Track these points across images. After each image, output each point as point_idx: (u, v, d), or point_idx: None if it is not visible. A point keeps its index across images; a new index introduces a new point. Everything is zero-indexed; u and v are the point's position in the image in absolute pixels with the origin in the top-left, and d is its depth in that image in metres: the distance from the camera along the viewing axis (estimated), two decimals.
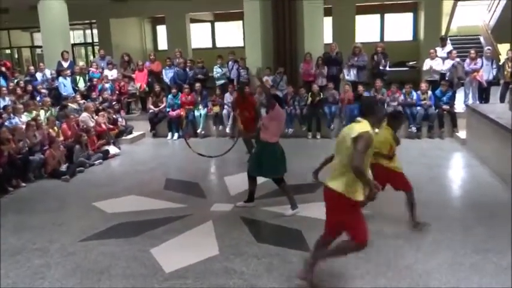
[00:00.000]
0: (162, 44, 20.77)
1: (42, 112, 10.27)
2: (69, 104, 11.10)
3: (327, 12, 14.48)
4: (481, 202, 6.46)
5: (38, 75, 12.56)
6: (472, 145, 9.33)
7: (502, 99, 10.94)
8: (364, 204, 4.59)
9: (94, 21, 19.97)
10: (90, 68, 13.51)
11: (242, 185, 6.97)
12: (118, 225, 6.04)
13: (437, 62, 11.56)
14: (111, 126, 10.80)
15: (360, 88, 11.07)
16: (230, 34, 21.12)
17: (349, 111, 10.75)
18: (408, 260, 4.73)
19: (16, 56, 22.21)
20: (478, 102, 11.21)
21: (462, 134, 10.13)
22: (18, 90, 11.28)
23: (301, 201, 6.26)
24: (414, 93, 10.88)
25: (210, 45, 21.14)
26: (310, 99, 11.11)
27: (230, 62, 12.66)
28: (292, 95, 11.35)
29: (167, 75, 12.80)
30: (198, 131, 11.69)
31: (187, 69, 12.77)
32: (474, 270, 4.51)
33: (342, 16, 16.71)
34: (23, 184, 8.05)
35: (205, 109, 11.80)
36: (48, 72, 12.67)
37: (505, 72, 11.17)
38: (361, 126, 3.74)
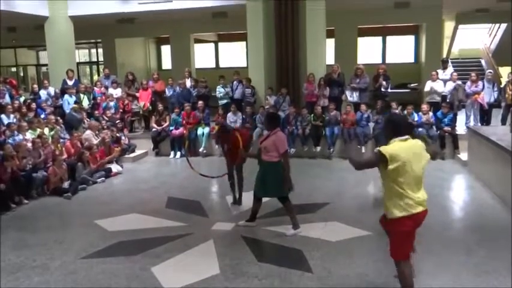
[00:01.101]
0: (166, 64, 20.98)
1: (46, 130, 10.34)
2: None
3: (330, 34, 14.64)
4: (482, 224, 6.45)
5: (42, 93, 12.68)
6: (474, 167, 9.34)
7: (503, 122, 10.99)
8: None
9: (99, 40, 20.22)
10: (94, 87, 13.65)
11: (245, 204, 7.00)
12: (119, 243, 6.05)
13: (439, 84, 11.65)
14: (115, 146, 10.85)
15: (363, 107, 11.15)
16: (233, 54, 21.35)
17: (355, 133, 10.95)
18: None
19: (22, 74, 22.44)
20: (479, 124, 11.26)
21: (464, 155, 10.15)
22: (24, 109, 11.36)
23: (303, 221, 6.27)
24: (415, 115, 10.94)
25: (213, 65, 21.34)
26: (312, 120, 11.19)
27: (235, 82, 12.79)
28: (294, 115, 11.42)
29: (170, 94, 12.93)
30: (200, 149, 11.74)
31: (191, 89, 12.91)
32: None
33: (344, 38, 16.89)
34: (26, 201, 8.07)
35: (208, 128, 11.87)
36: (52, 90, 12.78)
37: (506, 95, 11.24)
38: (388, 145, 3.92)
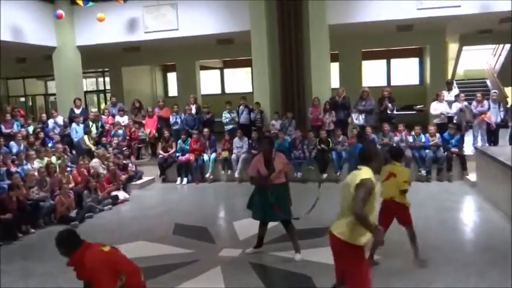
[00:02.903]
0: (173, 91, 21.18)
1: (53, 158, 10.41)
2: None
3: (334, 58, 14.77)
4: (493, 245, 6.35)
5: (50, 122, 12.81)
6: (482, 188, 9.25)
7: (511, 142, 10.91)
8: (374, 250, 4.56)
9: (107, 69, 20.49)
10: (102, 115, 13.78)
11: (251, 229, 6.93)
12: None
13: (444, 105, 11.65)
14: (122, 173, 10.90)
15: (368, 130, 11.14)
16: (239, 80, 21.52)
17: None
18: None
19: (30, 103, 22.71)
20: (487, 144, 11.19)
21: (472, 176, 10.06)
22: (31, 138, 11.46)
23: (310, 246, 6.21)
24: (423, 136, 10.90)
25: (219, 91, 21.51)
26: (318, 146, 11.18)
27: (241, 107, 12.86)
28: (300, 139, 11.42)
29: (174, 121, 13.02)
30: (207, 175, 11.73)
31: (196, 115, 13.01)
32: None
33: (349, 61, 17.01)
34: (33, 230, 8.07)
35: (214, 154, 11.89)
36: (60, 119, 12.91)
37: None
38: (363, 173, 3.78)
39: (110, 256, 3.43)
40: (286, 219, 6.12)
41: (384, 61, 19.45)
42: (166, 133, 12.35)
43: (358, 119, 11.91)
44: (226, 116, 12.85)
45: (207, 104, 13.60)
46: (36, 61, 16.89)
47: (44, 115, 13.70)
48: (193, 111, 13.16)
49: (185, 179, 11.70)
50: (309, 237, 6.50)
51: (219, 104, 14.20)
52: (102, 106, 20.21)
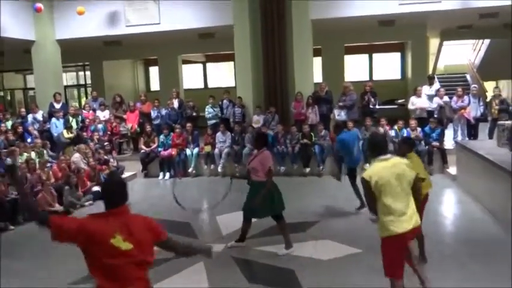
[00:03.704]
0: (155, 85, 20.99)
1: (33, 154, 10.23)
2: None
3: (317, 53, 14.78)
4: (473, 238, 6.45)
5: (29, 117, 12.59)
6: (463, 181, 9.38)
7: (490, 136, 11.08)
8: None
9: (87, 63, 20.20)
10: (82, 110, 13.59)
11: (234, 224, 6.93)
12: None
13: (423, 100, 11.76)
14: (104, 167, 10.78)
15: (350, 124, 11.18)
16: (221, 75, 21.43)
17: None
18: None
19: (9, 97, 22.29)
20: (467, 138, 11.35)
21: (452, 170, 10.20)
22: (9, 133, 11.22)
23: (293, 240, 6.21)
24: (405, 130, 11.00)
25: (201, 86, 21.39)
26: (300, 140, 11.20)
27: (225, 101, 12.81)
28: (282, 134, 11.43)
29: (155, 116, 12.91)
30: (190, 170, 11.68)
31: (178, 110, 12.92)
32: None
33: (331, 56, 17.05)
34: (12, 227, 7.93)
35: (197, 148, 11.83)
36: (40, 114, 12.70)
37: (492, 110, 11.36)
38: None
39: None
40: (261, 217, 6.20)
41: (366, 56, 19.57)
42: (148, 128, 12.24)
43: (340, 114, 11.97)
44: (209, 111, 12.79)
45: (191, 99, 13.52)
46: (15, 55, 16.55)
47: (23, 110, 13.44)
48: (176, 105, 13.07)
49: (167, 174, 11.62)
50: (293, 232, 6.49)
51: (202, 99, 14.12)
52: (83, 101, 19.94)
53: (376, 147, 4.04)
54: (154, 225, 2.97)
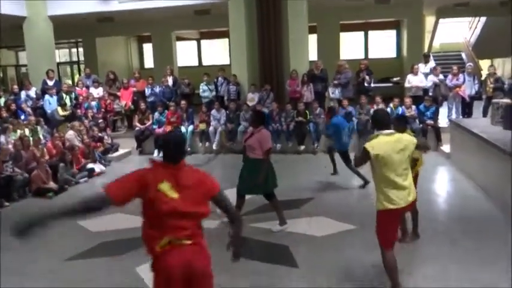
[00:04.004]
0: (149, 62, 20.81)
1: (26, 131, 10.17)
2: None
3: (312, 30, 14.66)
4: (466, 215, 6.52)
5: (22, 94, 12.47)
6: (456, 159, 9.44)
7: (484, 114, 11.10)
8: None
9: (80, 40, 19.95)
10: (76, 87, 13.48)
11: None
12: (103, 243, 5.98)
13: (420, 78, 11.75)
14: (98, 144, 10.76)
15: (345, 102, 11.19)
16: (216, 52, 21.25)
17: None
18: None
19: (1, 74, 22.04)
20: (461, 116, 11.38)
21: (446, 148, 10.25)
22: (3, 110, 11.15)
23: (287, 216, 6.26)
24: (400, 108, 11.00)
25: (196, 63, 21.23)
26: (295, 118, 11.20)
27: (220, 79, 12.73)
28: (277, 112, 11.41)
29: (150, 94, 12.81)
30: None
31: (173, 87, 12.84)
32: (459, 282, 4.53)
33: (327, 34, 16.92)
34: (7, 204, 7.93)
35: (192, 126, 11.80)
36: (33, 91, 12.58)
37: (487, 88, 11.36)
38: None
39: None
40: (255, 194, 6.29)
41: (362, 33, 19.44)
42: (142, 105, 12.17)
43: (334, 92, 11.95)
44: (204, 88, 12.73)
45: (186, 76, 13.42)
46: (6, 31, 16.30)
47: (15, 87, 13.30)
48: (170, 83, 12.99)
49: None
50: (287, 208, 6.54)
51: (196, 76, 14.02)
52: (76, 78, 19.75)
53: (380, 122, 4.13)
54: (208, 179, 2.99)
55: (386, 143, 3.98)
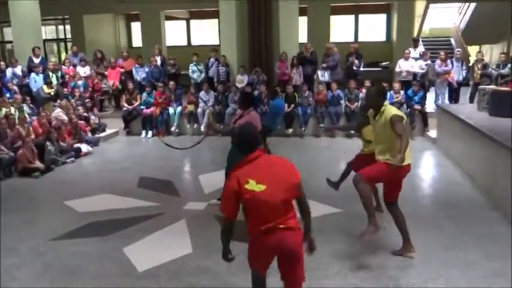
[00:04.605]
0: (137, 41, 20.55)
1: (12, 109, 10.03)
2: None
3: (302, 12, 14.55)
4: (450, 201, 6.61)
5: (8, 71, 12.26)
6: (442, 144, 9.54)
7: (471, 100, 11.19)
8: None
9: (67, 17, 19.60)
10: (62, 65, 13.28)
11: (217, 183, 6.97)
12: (90, 224, 5.96)
13: (411, 64, 11.77)
14: (82, 122, 10.66)
15: (333, 86, 11.21)
16: (205, 32, 21.04)
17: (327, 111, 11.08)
18: (380, 258, 4.81)
19: None
20: (448, 102, 11.46)
21: (433, 133, 10.35)
22: None
23: None
24: (388, 93, 11.02)
25: (185, 43, 21.02)
26: (284, 102, 11.18)
27: (211, 59, 12.61)
28: (266, 94, 11.38)
29: (138, 73, 12.68)
30: (172, 129, 11.62)
31: (161, 67, 12.72)
32: (443, 265, 4.62)
33: (317, 16, 16.84)
34: None
35: (180, 107, 11.74)
36: (19, 69, 12.38)
37: (474, 74, 11.43)
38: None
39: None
40: None
41: (352, 16, 19.37)
42: (130, 85, 12.04)
43: (323, 75, 11.95)
44: (193, 69, 12.63)
45: (173, 57, 13.29)
46: None
47: (2, 63, 13.05)
48: (159, 62, 12.85)
49: (150, 132, 11.55)
50: None
51: (185, 56, 13.89)
52: (63, 56, 19.46)
53: (383, 95, 4.77)
54: (290, 166, 3.17)
55: (398, 110, 4.66)
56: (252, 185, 3.00)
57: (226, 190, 3.14)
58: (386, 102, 4.77)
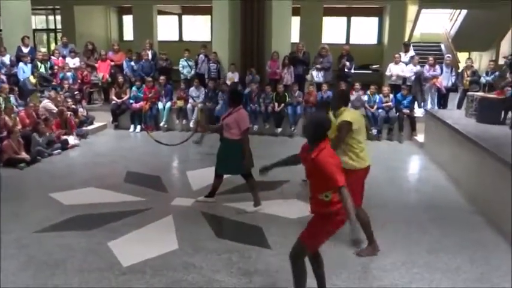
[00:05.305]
0: (128, 35, 20.41)
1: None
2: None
3: (295, 12, 14.57)
4: (435, 204, 6.68)
5: None
6: (429, 149, 9.63)
7: (459, 106, 11.31)
8: None
9: (58, 7, 19.40)
10: (52, 56, 13.14)
11: (205, 180, 6.97)
12: (75, 217, 5.92)
13: (401, 68, 11.86)
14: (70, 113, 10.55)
15: (324, 87, 11.25)
16: (197, 28, 20.98)
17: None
18: (363, 259, 4.84)
19: None
20: (436, 107, 11.56)
21: (420, 137, 10.43)
22: None
23: (262, 198, 6.30)
24: (377, 96, 11.10)
25: (176, 38, 20.93)
26: (275, 100, 11.21)
27: (201, 56, 12.57)
28: (256, 92, 11.39)
29: (128, 67, 12.60)
30: (161, 124, 11.58)
31: (152, 61, 12.66)
32: (426, 268, 4.67)
33: (310, 16, 16.87)
34: None
35: (169, 102, 11.69)
36: (7, 58, 12.22)
37: (464, 80, 11.54)
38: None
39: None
40: (232, 174, 6.43)
41: (345, 18, 19.46)
42: (120, 78, 11.96)
43: (318, 76, 11.99)
44: (183, 64, 12.58)
45: (165, 51, 13.22)
46: None
47: None
48: (150, 57, 12.79)
49: (138, 127, 11.49)
50: (262, 190, 6.56)
51: (176, 52, 13.83)
52: (52, 46, 19.25)
53: (346, 99, 5.09)
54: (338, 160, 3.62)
55: (355, 114, 4.90)
56: None
57: (334, 164, 3.45)
58: (347, 107, 4.90)
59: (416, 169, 9.04)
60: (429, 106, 11.65)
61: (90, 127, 11.21)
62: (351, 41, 18.83)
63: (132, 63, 12.60)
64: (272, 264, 4.72)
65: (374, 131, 10.75)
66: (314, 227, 3.77)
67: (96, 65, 12.83)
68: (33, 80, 11.51)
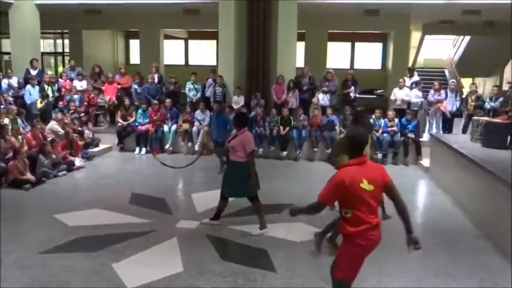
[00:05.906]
0: (135, 58, 20.65)
1: (6, 120, 9.98)
2: None
3: (300, 37, 14.74)
4: (442, 228, 6.62)
5: (4, 82, 12.25)
6: (435, 173, 9.59)
7: (464, 131, 11.31)
8: None
9: (66, 31, 19.71)
10: (59, 78, 13.29)
11: (209, 202, 6.95)
12: (79, 238, 5.89)
13: (405, 92, 11.91)
14: (76, 135, 10.61)
15: (329, 111, 11.30)
16: (203, 52, 21.22)
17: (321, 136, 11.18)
18: (370, 283, 4.78)
19: None
20: (441, 132, 11.56)
21: (426, 162, 10.40)
22: None
23: (268, 221, 6.26)
24: (382, 120, 11.13)
25: (182, 63, 21.16)
26: (280, 123, 11.24)
27: (210, 80, 12.67)
28: (262, 116, 11.44)
29: (136, 91, 12.71)
30: (166, 147, 11.61)
31: (159, 85, 12.77)
32: None
33: (315, 42, 17.05)
34: None
35: (175, 125, 11.74)
36: (15, 80, 12.37)
37: (468, 106, 11.57)
38: None
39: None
40: (238, 197, 6.35)
41: (349, 44, 19.66)
42: (126, 101, 12.07)
43: (324, 99, 12.06)
44: (190, 87, 12.69)
45: (174, 75, 13.35)
46: None
47: None
48: (156, 80, 12.91)
49: (144, 149, 11.52)
50: (268, 213, 6.52)
51: (182, 75, 13.96)
52: (60, 69, 19.49)
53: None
54: (383, 170, 3.64)
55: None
56: (365, 184, 3.41)
57: (335, 183, 3.45)
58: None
59: (422, 193, 9.00)
60: (434, 131, 11.66)
61: (95, 149, 11.26)
62: (355, 66, 18.95)
63: (136, 86, 12.70)
64: (277, 287, 4.67)
65: (379, 155, 10.74)
66: (338, 255, 3.75)
67: (103, 87, 12.95)
68: (39, 104, 11.59)
